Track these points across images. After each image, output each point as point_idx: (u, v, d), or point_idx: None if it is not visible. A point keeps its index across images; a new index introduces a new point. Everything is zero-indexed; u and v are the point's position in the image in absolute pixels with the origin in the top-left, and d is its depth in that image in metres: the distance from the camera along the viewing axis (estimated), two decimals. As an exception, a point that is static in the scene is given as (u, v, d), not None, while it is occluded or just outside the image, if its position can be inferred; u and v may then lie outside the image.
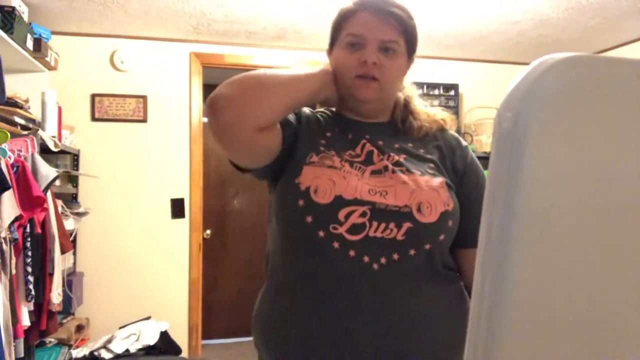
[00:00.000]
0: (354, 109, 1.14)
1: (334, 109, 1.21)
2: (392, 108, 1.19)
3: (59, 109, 3.21)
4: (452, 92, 3.99)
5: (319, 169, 1.04)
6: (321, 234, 1.00)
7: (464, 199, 1.09)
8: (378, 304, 0.99)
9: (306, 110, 1.18)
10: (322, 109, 1.22)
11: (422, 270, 1.02)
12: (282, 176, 1.08)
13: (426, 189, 1.03)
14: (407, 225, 0.99)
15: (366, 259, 0.99)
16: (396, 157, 1.09)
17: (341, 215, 0.99)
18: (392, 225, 0.99)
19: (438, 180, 1.06)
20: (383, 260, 0.99)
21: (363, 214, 1.00)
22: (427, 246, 1.01)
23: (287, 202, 1.05)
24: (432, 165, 1.10)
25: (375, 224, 1.00)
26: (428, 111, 1.20)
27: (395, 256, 0.99)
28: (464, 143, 1.18)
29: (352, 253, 0.99)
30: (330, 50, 1.16)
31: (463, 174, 1.12)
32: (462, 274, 1.12)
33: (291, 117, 1.13)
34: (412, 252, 1.00)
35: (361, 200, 1.00)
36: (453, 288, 1.08)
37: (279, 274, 1.10)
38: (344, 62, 1.09)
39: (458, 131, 3.95)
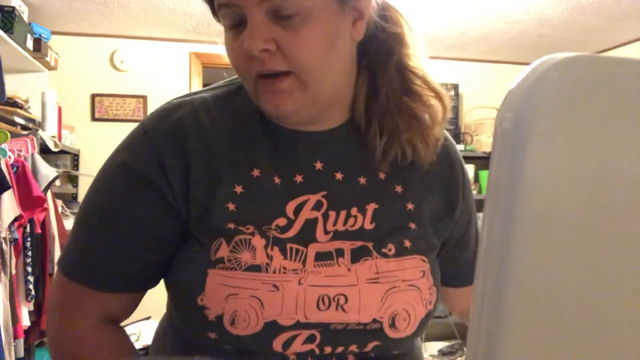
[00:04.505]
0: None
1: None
2: (352, 94, 0.73)
3: (59, 109, 3.21)
4: (452, 92, 3.99)
5: (232, 276, 0.64)
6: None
7: (456, 238, 0.81)
8: None
9: (203, 120, 0.71)
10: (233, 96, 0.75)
11: None
12: (185, 252, 0.70)
13: (404, 288, 0.68)
14: (373, 344, 0.69)
15: None
16: (359, 221, 0.70)
17: (277, 344, 0.66)
18: (353, 347, 0.68)
19: (419, 263, 0.71)
20: None
21: (310, 339, 0.66)
22: (395, 352, 0.73)
23: (188, 325, 0.69)
24: (412, 225, 0.72)
25: (329, 349, 0.67)
26: (430, 101, 0.76)
27: None
28: (462, 164, 0.81)
29: None
30: None
31: (456, 215, 0.79)
32: (452, 309, 0.91)
33: (166, 185, 0.69)
34: None
35: (307, 323, 0.65)
36: None
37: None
38: (230, 56, 0.69)
39: (457, 131, 4.02)
